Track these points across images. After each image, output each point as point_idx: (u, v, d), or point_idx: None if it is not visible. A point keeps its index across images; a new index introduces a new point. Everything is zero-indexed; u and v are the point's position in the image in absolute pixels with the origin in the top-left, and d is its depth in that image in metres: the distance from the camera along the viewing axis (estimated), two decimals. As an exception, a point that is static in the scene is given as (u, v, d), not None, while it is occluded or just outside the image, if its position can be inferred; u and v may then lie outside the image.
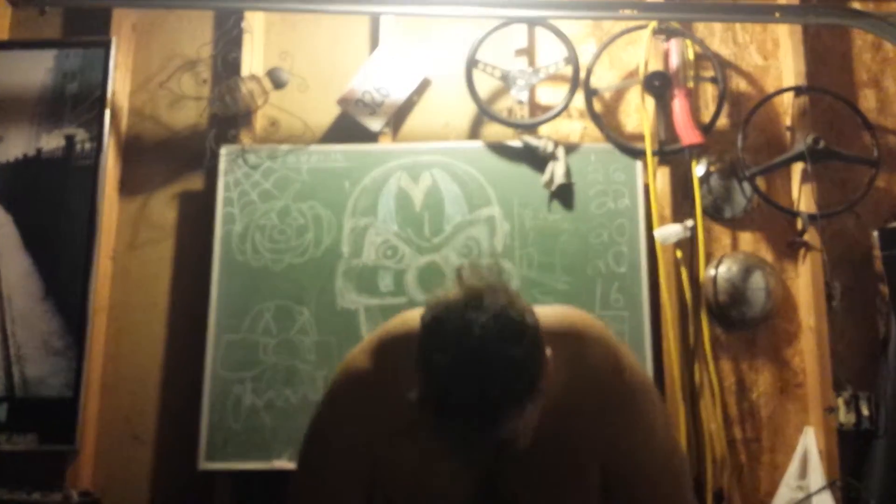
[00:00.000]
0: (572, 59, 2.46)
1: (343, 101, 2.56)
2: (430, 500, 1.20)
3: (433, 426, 1.03)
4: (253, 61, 2.60)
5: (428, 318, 1.06)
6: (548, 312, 1.17)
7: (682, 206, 2.50)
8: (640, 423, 1.20)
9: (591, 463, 1.20)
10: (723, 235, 2.54)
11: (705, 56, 2.54)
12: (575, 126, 2.61)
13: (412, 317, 1.18)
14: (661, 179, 2.50)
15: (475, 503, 1.18)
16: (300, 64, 2.63)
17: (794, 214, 2.48)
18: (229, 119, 2.54)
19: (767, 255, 2.51)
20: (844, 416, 2.34)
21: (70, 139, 2.57)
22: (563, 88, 2.52)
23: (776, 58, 2.65)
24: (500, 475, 1.18)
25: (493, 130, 2.58)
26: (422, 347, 1.04)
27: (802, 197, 2.48)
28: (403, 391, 1.06)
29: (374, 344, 1.25)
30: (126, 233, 2.59)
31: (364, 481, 1.23)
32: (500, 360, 0.99)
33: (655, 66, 2.53)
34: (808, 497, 2.20)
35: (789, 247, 2.51)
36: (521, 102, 2.52)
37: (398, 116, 2.60)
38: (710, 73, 2.55)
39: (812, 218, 2.43)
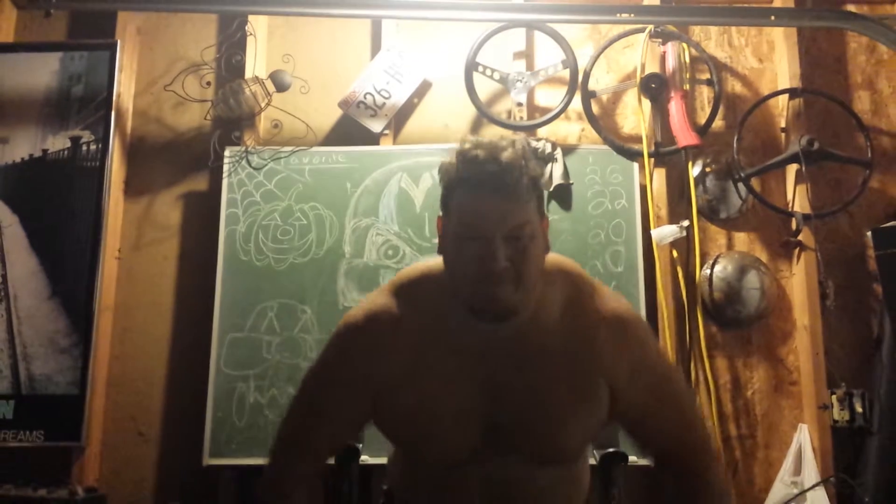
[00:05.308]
0: (570, 63, 2.50)
1: (345, 104, 2.59)
2: (433, 421, 1.20)
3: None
4: (256, 64, 2.63)
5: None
6: None
7: (678, 207, 2.53)
8: (637, 337, 1.25)
9: (595, 379, 1.21)
10: (718, 235, 2.57)
11: (701, 59, 2.58)
12: (573, 128, 2.64)
13: (428, 262, 1.28)
14: (658, 180, 2.53)
15: (477, 427, 1.19)
16: (303, 67, 2.66)
17: (789, 215, 2.51)
18: (233, 121, 2.57)
19: (762, 254, 2.54)
20: (838, 414, 2.37)
21: (75, 141, 2.60)
22: (562, 91, 2.55)
23: (771, 60, 2.68)
24: (502, 388, 1.19)
25: (493, 132, 2.61)
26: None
27: (797, 197, 2.51)
28: (421, 320, 1.19)
29: (392, 286, 1.28)
30: (131, 233, 2.63)
31: (365, 393, 1.23)
32: (520, 141, 1.17)
33: (652, 68, 2.57)
34: (803, 493, 2.23)
35: (784, 247, 2.55)
36: (519, 105, 2.55)
37: (399, 118, 2.63)
38: (705, 76, 2.58)
39: (806, 218, 2.46)
